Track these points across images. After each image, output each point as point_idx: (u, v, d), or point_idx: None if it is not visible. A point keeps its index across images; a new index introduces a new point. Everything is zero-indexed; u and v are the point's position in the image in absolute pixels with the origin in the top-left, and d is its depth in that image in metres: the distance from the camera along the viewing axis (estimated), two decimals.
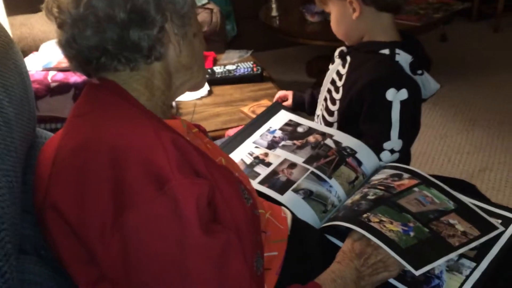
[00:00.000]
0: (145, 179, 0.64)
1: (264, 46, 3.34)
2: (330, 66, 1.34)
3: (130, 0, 0.70)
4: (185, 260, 0.64)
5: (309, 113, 1.50)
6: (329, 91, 1.31)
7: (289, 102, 1.54)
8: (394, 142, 1.16)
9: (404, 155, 1.19)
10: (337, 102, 1.27)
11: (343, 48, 1.31)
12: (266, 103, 1.61)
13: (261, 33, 2.99)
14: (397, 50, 1.18)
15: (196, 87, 0.88)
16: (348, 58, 1.28)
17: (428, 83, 1.24)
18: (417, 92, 1.18)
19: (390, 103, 1.14)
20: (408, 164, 1.19)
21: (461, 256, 0.90)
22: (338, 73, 1.31)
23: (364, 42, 1.25)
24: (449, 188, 1.01)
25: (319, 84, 1.40)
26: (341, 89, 1.26)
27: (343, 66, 1.29)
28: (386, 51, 1.19)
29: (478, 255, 0.90)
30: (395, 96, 1.14)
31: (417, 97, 1.19)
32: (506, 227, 0.95)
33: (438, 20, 2.67)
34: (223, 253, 0.67)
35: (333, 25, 1.26)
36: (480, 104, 2.81)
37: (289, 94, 1.56)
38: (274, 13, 2.83)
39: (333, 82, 1.32)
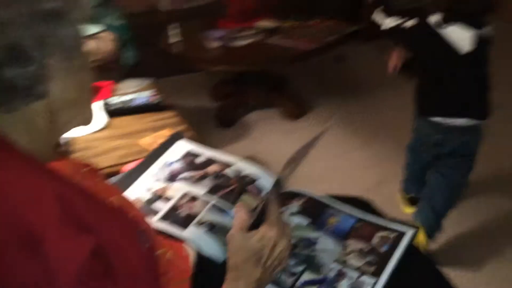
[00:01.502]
0: (15, 239, 0.58)
1: (167, 73, 3.30)
2: None
3: (1, 35, 0.64)
4: None
5: None
6: None
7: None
8: None
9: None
10: None
11: None
12: (166, 133, 1.57)
13: (163, 60, 2.96)
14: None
15: (84, 122, 0.83)
16: None
17: (455, 33, 1.61)
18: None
19: None
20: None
21: (362, 273, 0.94)
22: None
23: None
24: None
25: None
26: None
27: None
28: None
29: (377, 270, 0.95)
30: None
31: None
32: (399, 240, 1.01)
33: (330, 43, 2.81)
34: None
35: None
36: (375, 121, 3.01)
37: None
38: (174, 39, 2.81)
39: None
